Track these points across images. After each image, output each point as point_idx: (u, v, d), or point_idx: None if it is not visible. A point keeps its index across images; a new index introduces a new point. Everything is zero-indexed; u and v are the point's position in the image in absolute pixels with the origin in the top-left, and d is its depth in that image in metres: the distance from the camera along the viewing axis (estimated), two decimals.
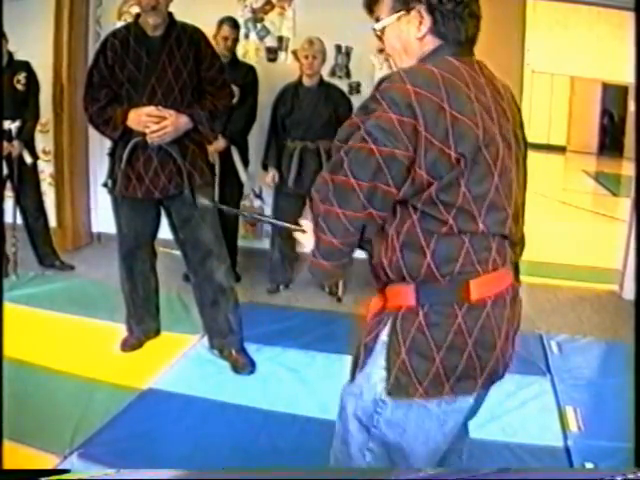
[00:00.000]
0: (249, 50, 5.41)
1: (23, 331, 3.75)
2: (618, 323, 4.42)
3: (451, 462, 1.94)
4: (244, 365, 3.62)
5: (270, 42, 5.39)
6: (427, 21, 1.60)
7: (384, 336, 1.62)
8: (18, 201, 5.00)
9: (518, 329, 1.73)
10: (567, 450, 2.93)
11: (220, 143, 4.65)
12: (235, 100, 4.66)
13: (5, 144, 4.69)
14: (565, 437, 3.04)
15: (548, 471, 2.51)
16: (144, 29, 3.36)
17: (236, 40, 4.82)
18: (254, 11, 5.34)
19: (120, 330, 3.89)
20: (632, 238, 4.83)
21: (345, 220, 1.53)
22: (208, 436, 2.94)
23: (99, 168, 5.75)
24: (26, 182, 4.97)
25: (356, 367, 1.68)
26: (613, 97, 15.18)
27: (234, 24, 4.77)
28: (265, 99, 4.87)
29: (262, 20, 5.34)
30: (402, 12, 1.62)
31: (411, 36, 1.63)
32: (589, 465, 2.78)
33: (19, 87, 4.80)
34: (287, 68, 5.20)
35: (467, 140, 1.50)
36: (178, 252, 3.75)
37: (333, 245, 1.57)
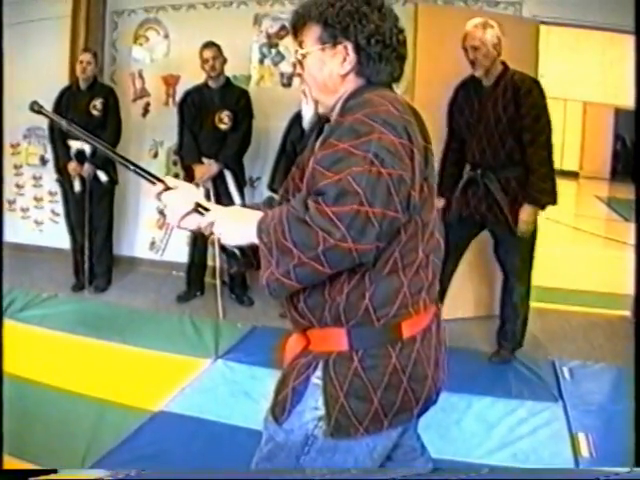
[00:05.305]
0: (264, 75, 5.46)
1: (36, 351, 3.77)
2: (630, 349, 4.37)
3: None
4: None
5: (285, 67, 5.43)
6: (352, 59, 1.58)
7: (316, 379, 1.59)
8: (90, 221, 5.05)
9: (446, 351, 1.74)
10: None
11: (213, 168, 4.78)
12: (229, 126, 4.75)
13: (75, 165, 4.87)
14: (577, 463, 3.01)
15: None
16: (481, 80, 3.87)
17: (219, 60, 4.75)
18: (269, 36, 5.39)
19: (131, 352, 3.91)
20: None
21: (355, 255, 1.38)
22: (219, 459, 2.93)
23: None
24: (100, 202, 5.07)
25: (281, 406, 1.64)
26: (626, 122, 15.15)
27: (211, 45, 4.72)
28: (280, 125, 4.80)
29: (277, 45, 5.39)
30: (328, 45, 1.58)
31: (334, 71, 1.59)
32: None
33: (95, 113, 4.93)
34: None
35: (429, 167, 1.55)
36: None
37: (320, 274, 1.42)
